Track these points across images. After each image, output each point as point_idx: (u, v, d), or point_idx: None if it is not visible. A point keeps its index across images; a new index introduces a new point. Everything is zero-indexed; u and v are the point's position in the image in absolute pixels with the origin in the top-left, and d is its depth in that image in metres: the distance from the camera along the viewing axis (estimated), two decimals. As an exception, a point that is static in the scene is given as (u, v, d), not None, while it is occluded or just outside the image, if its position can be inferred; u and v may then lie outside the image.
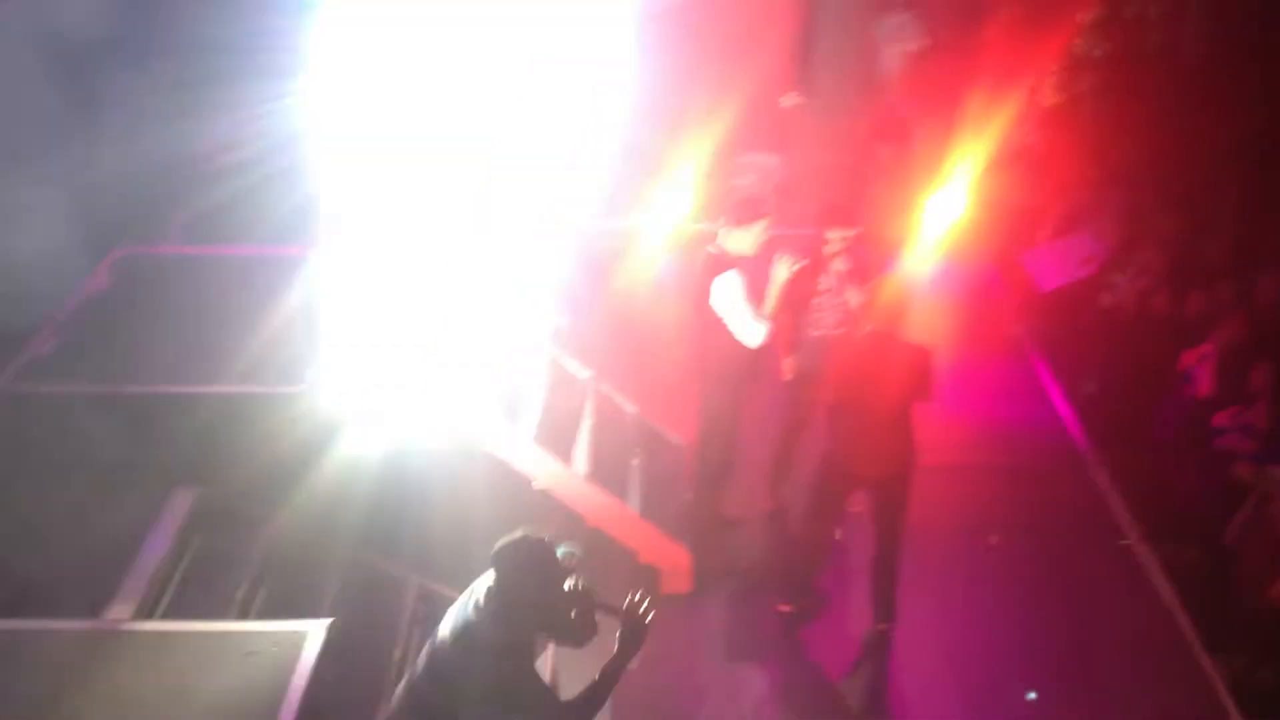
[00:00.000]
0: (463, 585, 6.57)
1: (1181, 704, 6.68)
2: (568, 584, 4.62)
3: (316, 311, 6.77)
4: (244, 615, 5.70)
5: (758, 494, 8.13)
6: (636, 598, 4.58)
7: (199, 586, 5.78)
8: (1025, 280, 11.03)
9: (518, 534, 4.44)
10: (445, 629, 4.49)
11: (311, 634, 4.94)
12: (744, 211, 7.20)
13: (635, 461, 8.06)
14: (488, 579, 4.47)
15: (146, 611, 5.41)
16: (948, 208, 9.60)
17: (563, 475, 7.25)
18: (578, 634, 4.77)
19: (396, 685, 5.42)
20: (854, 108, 12.42)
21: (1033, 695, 6.76)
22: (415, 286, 7.71)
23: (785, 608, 7.13)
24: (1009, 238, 11.45)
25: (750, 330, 7.06)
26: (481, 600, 4.41)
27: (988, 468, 8.63)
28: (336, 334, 6.78)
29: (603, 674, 4.55)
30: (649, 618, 4.57)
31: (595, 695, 4.53)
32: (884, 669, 6.87)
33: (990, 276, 11.38)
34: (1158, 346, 8.98)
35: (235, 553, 5.99)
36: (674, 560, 7.37)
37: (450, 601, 6.42)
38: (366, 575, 6.48)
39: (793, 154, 12.61)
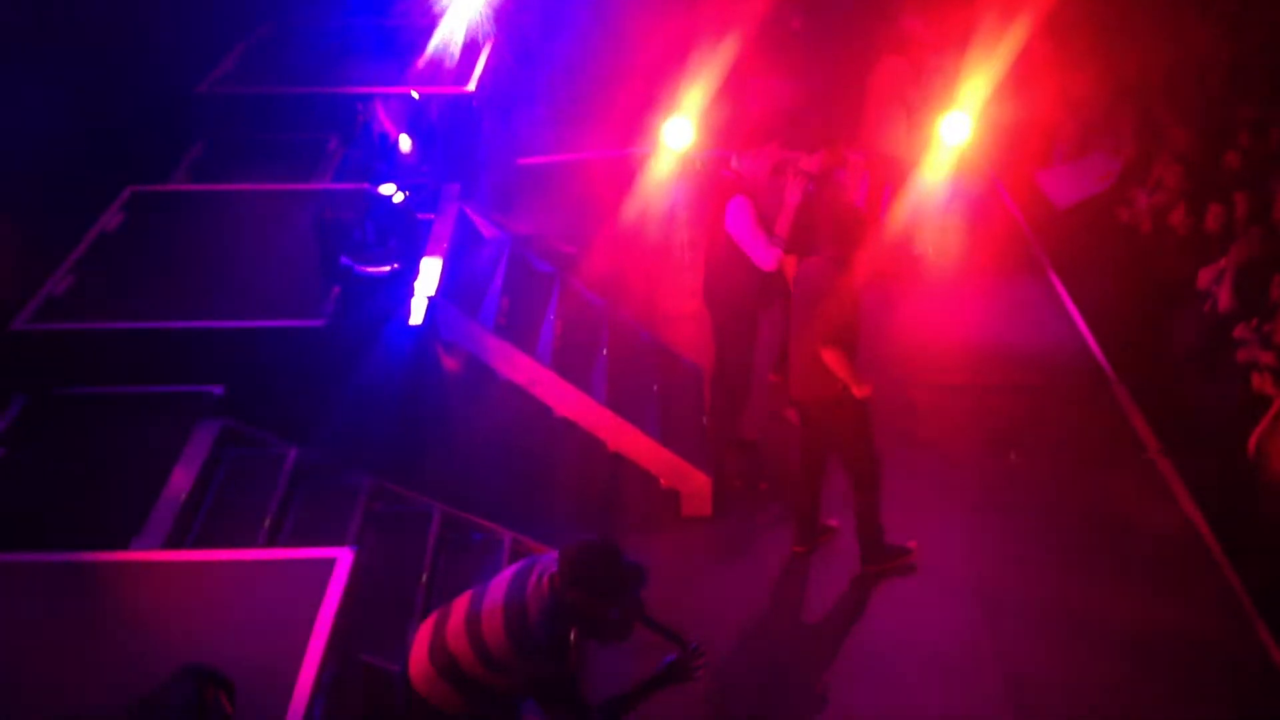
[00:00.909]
0: (486, 512, 6.68)
1: (1205, 615, 6.69)
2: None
3: (332, 244, 6.75)
4: (271, 544, 5.74)
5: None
6: (695, 650, 4.67)
7: (226, 517, 5.83)
8: (1041, 198, 10.95)
9: (594, 540, 4.47)
10: (497, 597, 4.49)
11: (339, 562, 4.96)
12: (756, 135, 7.15)
13: (654, 388, 8.06)
14: (547, 569, 4.48)
15: (175, 542, 5.44)
16: (960, 127, 9.52)
17: (582, 402, 7.25)
18: (610, 637, 4.79)
19: (423, 612, 5.52)
20: (862, 29, 12.28)
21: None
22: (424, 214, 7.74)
23: (800, 549, 7.14)
24: (1023, 156, 11.36)
25: (764, 253, 7.03)
26: (545, 591, 4.41)
27: (1006, 387, 8.62)
28: (354, 265, 6.79)
29: (633, 692, 4.65)
30: (697, 672, 4.65)
31: (619, 710, 4.61)
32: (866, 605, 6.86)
33: (1005, 195, 11.31)
34: (1176, 261, 8.93)
35: (261, 484, 6.02)
36: (694, 484, 7.39)
37: (475, 529, 6.54)
38: (391, 503, 6.51)
39: (802, 78, 12.48)
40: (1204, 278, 8.47)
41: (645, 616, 4.72)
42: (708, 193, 7.30)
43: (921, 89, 9.61)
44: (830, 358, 6.34)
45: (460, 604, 4.61)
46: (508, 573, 4.61)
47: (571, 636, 4.50)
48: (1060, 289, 9.84)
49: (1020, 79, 10.28)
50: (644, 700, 4.64)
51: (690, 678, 4.66)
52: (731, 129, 11.79)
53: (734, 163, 7.17)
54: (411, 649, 4.65)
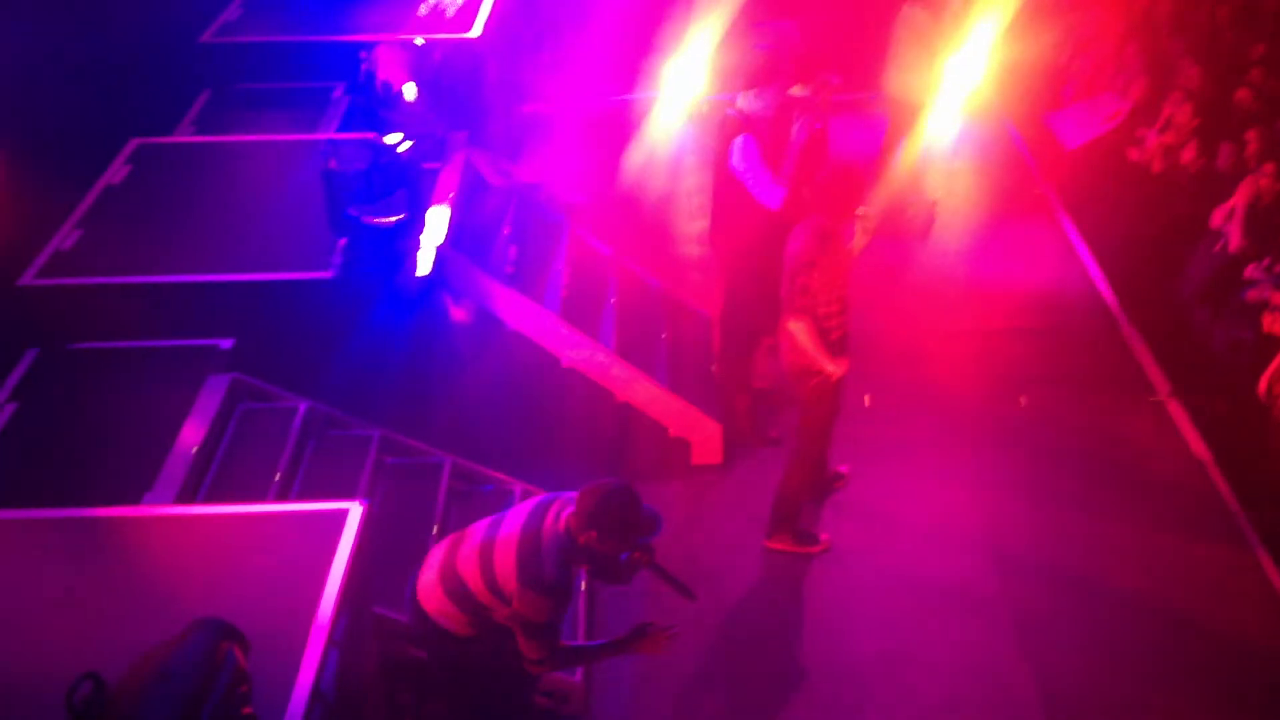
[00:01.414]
0: (496, 463, 6.70)
1: (1216, 558, 6.70)
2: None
3: (339, 195, 6.72)
4: (282, 497, 5.77)
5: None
6: (667, 631, 4.73)
7: (237, 471, 5.85)
8: (1050, 139, 10.86)
9: (615, 483, 4.53)
10: (513, 529, 4.59)
11: (350, 514, 4.98)
12: (762, 73, 7.09)
13: (662, 336, 8.05)
14: (564, 509, 4.56)
15: (187, 496, 5.48)
16: (970, 69, 9.42)
17: (590, 352, 7.25)
18: (617, 580, 4.92)
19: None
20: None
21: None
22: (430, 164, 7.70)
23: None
24: (1032, 96, 11.25)
25: (769, 191, 6.99)
26: (561, 528, 4.50)
27: (1017, 330, 8.59)
28: (361, 216, 6.77)
29: (598, 647, 4.86)
30: (663, 645, 4.72)
31: (579, 661, 4.87)
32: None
33: (1014, 136, 11.22)
34: (1187, 201, 8.87)
35: (271, 437, 6.05)
36: (704, 433, 7.40)
37: (485, 480, 6.56)
38: (402, 455, 6.54)
39: (810, 19, 12.34)
40: (1216, 217, 8.40)
41: (656, 564, 4.78)
42: (713, 132, 7.23)
43: (945, 36, 9.46)
44: (795, 330, 6.16)
45: (476, 530, 4.73)
46: (527, 505, 4.71)
47: (579, 577, 4.57)
48: (1070, 230, 9.78)
49: (1028, 19, 10.16)
50: (605, 658, 4.80)
51: (656, 649, 4.74)
52: (738, 72, 11.74)
53: (739, 102, 7.11)
54: (422, 570, 4.79)
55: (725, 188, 7.18)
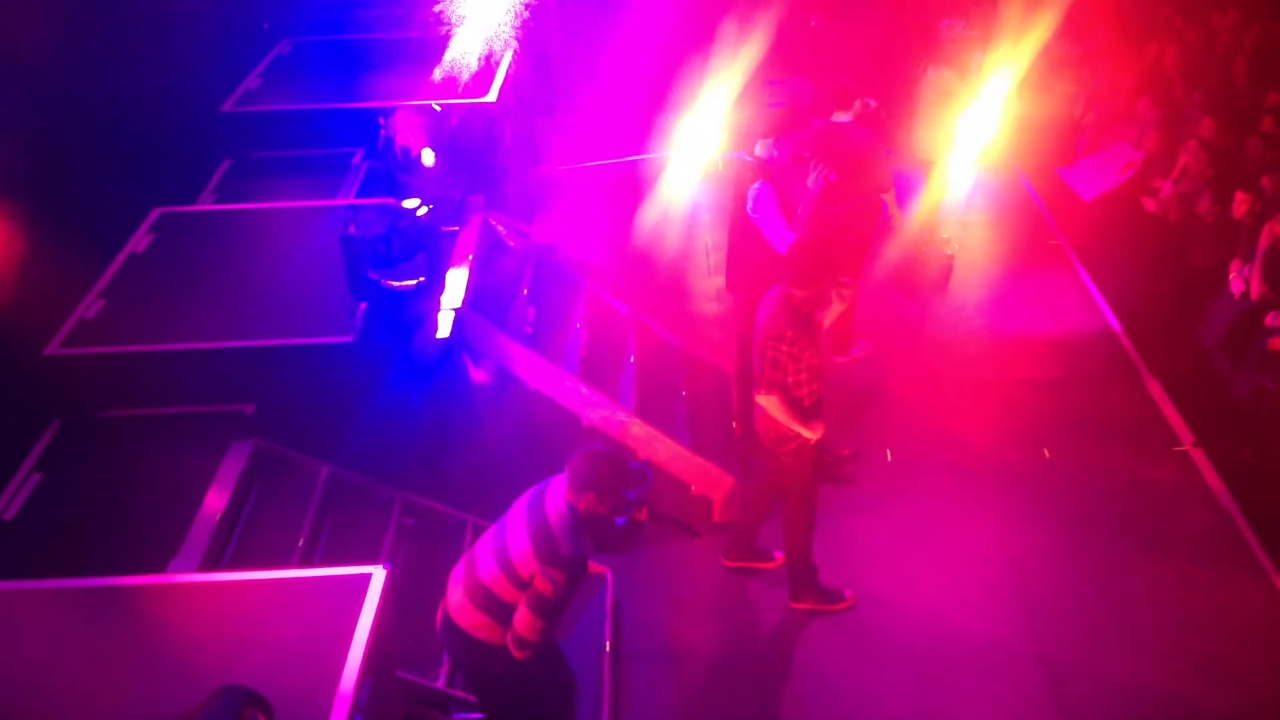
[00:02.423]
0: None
1: (1246, 607, 6.65)
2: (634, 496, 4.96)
3: (359, 259, 6.78)
4: (306, 562, 5.78)
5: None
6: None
7: (261, 536, 5.87)
8: (1065, 191, 10.89)
9: (596, 446, 4.86)
10: (519, 526, 4.84)
11: (373, 579, 4.97)
12: (780, 123, 7.17)
13: (681, 393, 8.06)
14: (559, 488, 4.82)
15: (211, 563, 5.49)
16: (985, 124, 9.49)
17: (610, 411, 7.26)
18: (623, 545, 5.10)
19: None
20: (885, 26, 12.27)
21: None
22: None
23: (728, 562, 7.13)
24: (1046, 149, 11.31)
25: (782, 238, 7.03)
26: (563, 506, 4.77)
27: (1037, 381, 8.58)
28: (381, 280, 6.83)
29: None
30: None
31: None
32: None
33: (1029, 189, 11.26)
34: (1204, 250, 8.87)
35: (294, 502, 6.06)
36: (725, 490, 7.38)
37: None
38: (423, 517, 6.54)
39: (824, 76, 12.47)
40: (1234, 266, 8.40)
41: (656, 513, 5.06)
42: (731, 179, 7.30)
43: (968, 93, 9.52)
44: (766, 404, 6.15)
45: (484, 543, 4.99)
46: (522, 503, 4.96)
47: (587, 555, 4.81)
48: (1088, 281, 9.79)
49: (1041, 75, 10.25)
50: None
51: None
52: (752, 130, 11.85)
53: (756, 149, 7.18)
54: (446, 596, 5.06)
55: (741, 234, 7.25)
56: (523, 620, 4.77)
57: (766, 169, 7.14)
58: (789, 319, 6.03)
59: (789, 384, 6.09)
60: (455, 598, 4.99)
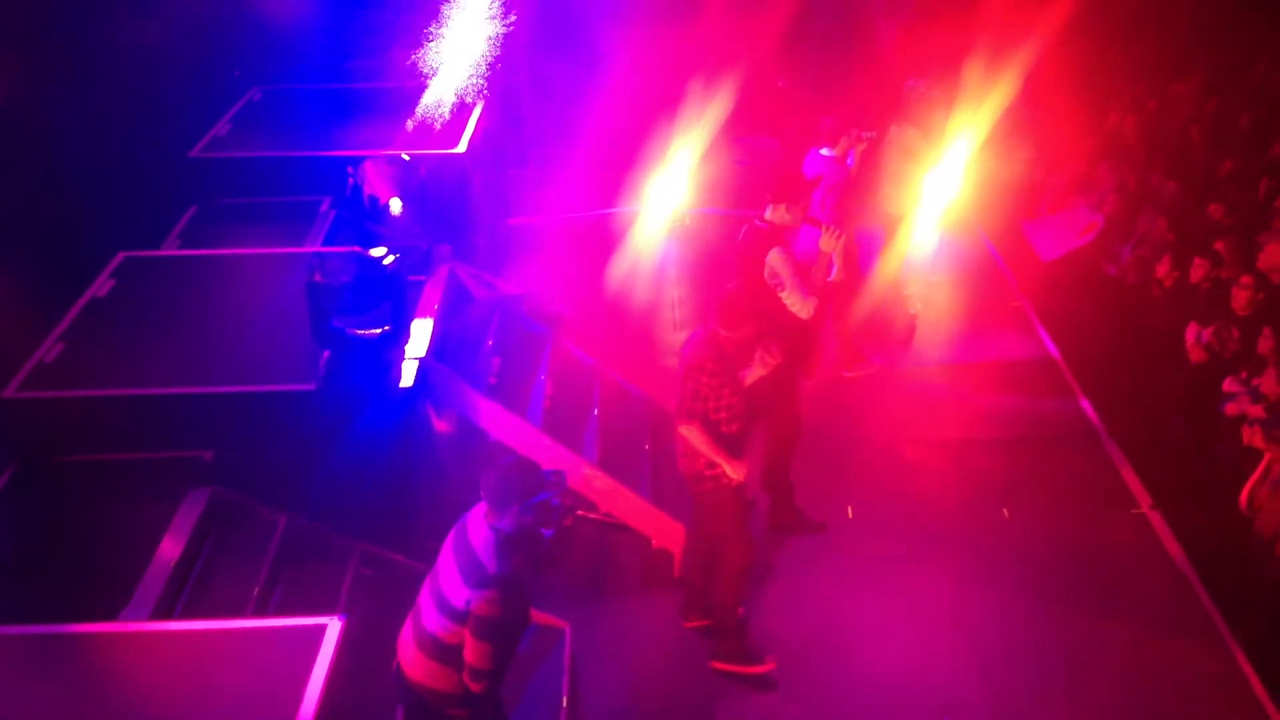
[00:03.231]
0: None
1: (1200, 672, 6.68)
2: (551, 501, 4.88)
3: (323, 307, 6.77)
4: (261, 612, 5.71)
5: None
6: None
7: (215, 585, 5.80)
8: (1027, 251, 11.02)
9: (504, 459, 4.86)
10: (449, 565, 4.80)
11: (328, 630, 4.93)
12: (790, 187, 7.29)
13: (645, 446, 8.06)
14: (479, 515, 4.81)
15: (164, 612, 5.42)
16: (948, 184, 9.60)
17: (573, 463, 7.25)
18: (558, 554, 5.08)
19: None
20: (847, 86, 12.42)
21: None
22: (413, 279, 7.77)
23: (686, 623, 7.07)
24: (1008, 211, 11.45)
25: (802, 303, 7.09)
26: (486, 530, 4.74)
27: (998, 441, 8.63)
28: (345, 328, 6.81)
29: None
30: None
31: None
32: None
33: (991, 250, 11.38)
34: (1163, 313, 8.98)
35: (250, 551, 6.00)
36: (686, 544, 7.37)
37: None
38: (382, 568, 6.48)
39: (789, 136, 12.62)
40: (1191, 330, 8.50)
41: (580, 517, 4.94)
42: (744, 244, 7.30)
43: (933, 150, 9.65)
44: (687, 434, 6.17)
45: (424, 593, 4.94)
46: (448, 544, 4.92)
47: (525, 575, 4.77)
48: (1049, 343, 9.88)
49: (1003, 138, 10.39)
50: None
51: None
52: (718, 187, 11.98)
53: (768, 214, 7.22)
54: (399, 651, 5.00)
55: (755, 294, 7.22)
56: (471, 650, 4.71)
57: (779, 234, 7.18)
58: (713, 355, 6.12)
59: (710, 418, 6.13)
60: (406, 653, 4.94)
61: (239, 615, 5.56)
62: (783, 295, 7.10)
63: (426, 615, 4.85)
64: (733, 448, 6.24)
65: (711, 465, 6.25)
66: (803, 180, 8.00)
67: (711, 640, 6.78)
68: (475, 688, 4.80)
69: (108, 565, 5.61)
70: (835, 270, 7.26)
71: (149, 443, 6.42)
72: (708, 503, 6.42)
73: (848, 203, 9.02)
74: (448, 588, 4.76)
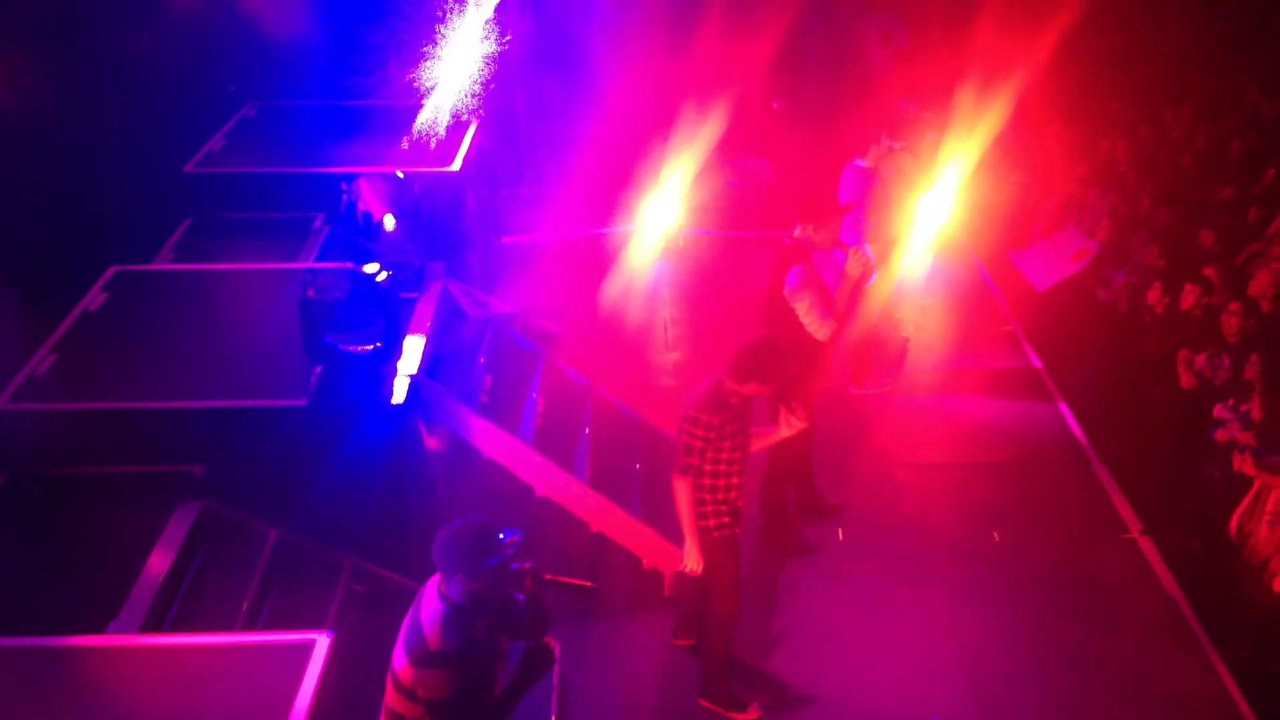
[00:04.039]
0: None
1: (1187, 695, 6.69)
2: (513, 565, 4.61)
3: (316, 323, 6.76)
4: (249, 627, 5.69)
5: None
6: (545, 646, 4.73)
7: (204, 599, 5.77)
8: (1019, 278, 11.05)
9: (454, 521, 4.51)
10: (400, 643, 4.51)
11: (317, 645, 4.91)
12: (820, 207, 7.28)
13: (636, 466, 8.05)
14: (433, 585, 4.53)
15: (153, 625, 5.39)
16: (940, 208, 9.62)
17: (564, 482, 7.24)
18: (526, 624, 4.76)
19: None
20: (841, 110, 12.48)
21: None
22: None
23: (678, 641, 7.09)
24: (1001, 236, 11.49)
25: (821, 324, 7.11)
26: (438, 603, 4.44)
27: (989, 465, 8.65)
28: (337, 344, 6.80)
29: (509, 691, 4.65)
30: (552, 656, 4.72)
31: (502, 712, 4.62)
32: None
33: (983, 274, 11.42)
34: (1153, 339, 9.00)
35: (240, 565, 5.97)
36: (677, 564, 7.33)
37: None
38: (372, 584, 6.46)
39: (782, 158, 12.68)
40: (1182, 356, 8.52)
41: (543, 580, 4.75)
42: (771, 261, 7.31)
43: (921, 175, 9.68)
44: (676, 488, 6.11)
45: (389, 671, 4.62)
46: (407, 615, 4.60)
47: (482, 642, 4.48)
48: (1040, 367, 9.91)
49: (995, 162, 10.43)
50: (520, 696, 4.66)
51: (550, 663, 4.70)
52: (711, 208, 12.02)
53: (797, 233, 7.24)
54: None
55: (777, 312, 7.25)
56: None
57: (805, 252, 7.20)
58: (713, 406, 5.99)
59: (705, 472, 6.05)
60: (390, 677, 4.67)
61: (228, 630, 5.53)
62: (800, 314, 7.11)
63: (389, 691, 4.56)
64: (728, 506, 6.17)
65: (703, 515, 6.18)
66: (834, 201, 7.95)
67: (700, 675, 6.71)
68: None
69: (97, 578, 5.58)
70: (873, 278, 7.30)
71: (140, 456, 6.39)
72: (703, 550, 6.33)
73: (882, 214, 9.06)
74: (396, 661, 4.49)
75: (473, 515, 4.54)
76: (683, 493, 6.09)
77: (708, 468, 6.07)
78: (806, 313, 7.11)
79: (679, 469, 6.09)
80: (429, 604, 4.47)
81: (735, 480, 6.17)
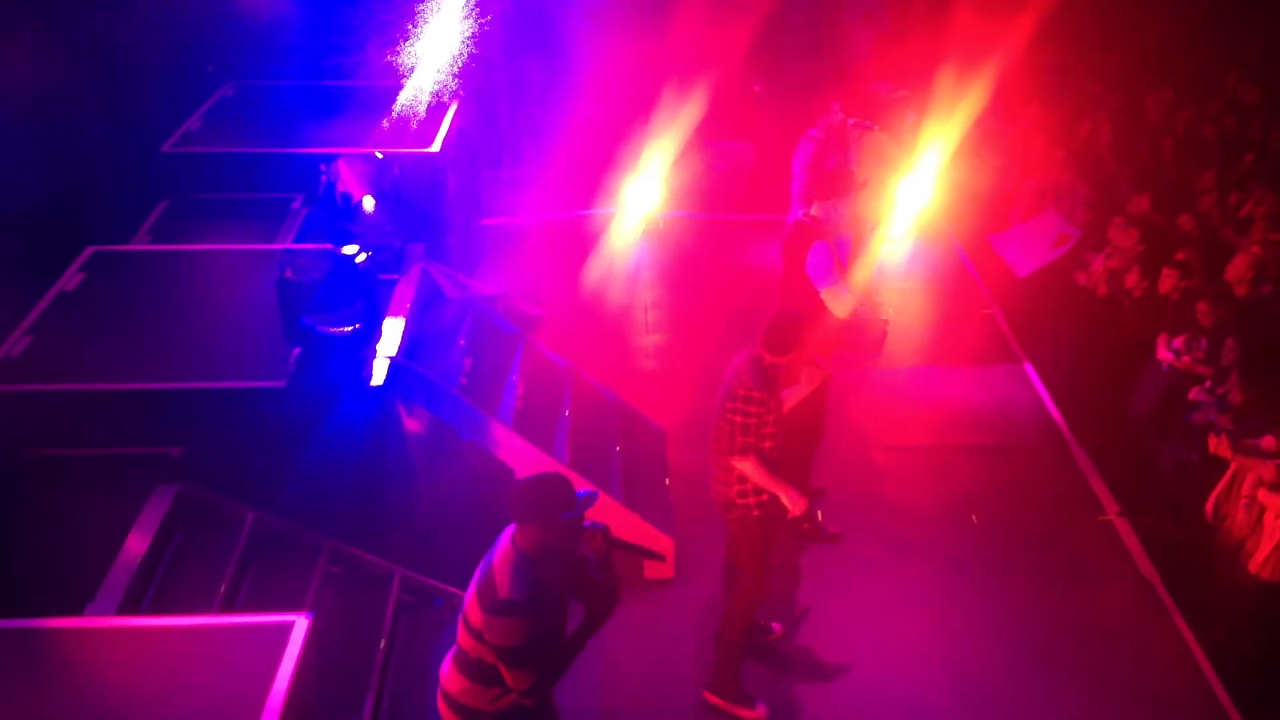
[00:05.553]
0: (447, 577, 6.62)
1: (1163, 676, 6.74)
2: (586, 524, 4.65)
3: (294, 304, 6.74)
4: (227, 609, 5.67)
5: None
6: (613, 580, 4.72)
7: (182, 581, 5.75)
8: (998, 261, 11.07)
9: (529, 475, 4.59)
10: (473, 582, 4.59)
11: (295, 627, 4.90)
12: (836, 183, 7.30)
13: (616, 449, 8.06)
14: (509, 531, 4.56)
15: (130, 607, 5.37)
16: (920, 191, 9.64)
17: (544, 464, 7.23)
18: (591, 585, 4.74)
19: (380, 680, 5.49)
20: (821, 92, 12.45)
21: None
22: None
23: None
24: (981, 220, 11.51)
25: (840, 301, 7.14)
26: (510, 550, 4.48)
27: (968, 448, 8.67)
28: (316, 326, 6.78)
29: (574, 638, 4.69)
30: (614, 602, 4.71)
31: (567, 657, 4.66)
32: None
33: (963, 257, 11.43)
34: (1132, 324, 9.04)
35: (218, 547, 5.95)
36: (657, 548, 7.35)
37: (436, 594, 6.49)
38: (350, 566, 6.46)
39: (762, 140, 12.65)
40: (1161, 340, 8.56)
41: (613, 540, 4.74)
42: (788, 237, 7.30)
43: (902, 159, 9.67)
44: (745, 469, 6.00)
45: (463, 602, 4.69)
46: (479, 566, 4.65)
47: (552, 593, 4.52)
48: (1019, 350, 9.94)
49: (975, 146, 10.44)
50: (584, 643, 4.70)
51: (612, 606, 4.71)
52: (692, 190, 12.00)
53: (814, 210, 7.23)
54: (442, 666, 4.80)
55: (795, 289, 7.24)
56: (506, 675, 4.53)
57: (822, 228, 7.18)
58: (761, 382, 5.94)
59: (762, 447, 6.01)
60: (445, 667, 4.77)
61: (205, 612, 5.52)
62: (822, 292, 7.11)
63: (460, 628, 4.65)
64: (778, 468, 6.13)
65: (744, 494, 6.11)
66: (850, 177, 7.92)
67: (713, 666, 6.59)
68: (526, 702, 4.61)
69: (74, 560, 5.56)
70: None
71: (116, 438, 6.36)
72: (733, 530, 6.31)
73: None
74: (468, 605, 4.57)
75: (546, 472, 4.60)
76: (754, 467, 5.98)
77: (761, 445, 6.01)
78: (829, 291, 7.10)
79: (739, 450, 5.97)
80: (502, 551, 4.54)
81: (774, 456, 6.12)
